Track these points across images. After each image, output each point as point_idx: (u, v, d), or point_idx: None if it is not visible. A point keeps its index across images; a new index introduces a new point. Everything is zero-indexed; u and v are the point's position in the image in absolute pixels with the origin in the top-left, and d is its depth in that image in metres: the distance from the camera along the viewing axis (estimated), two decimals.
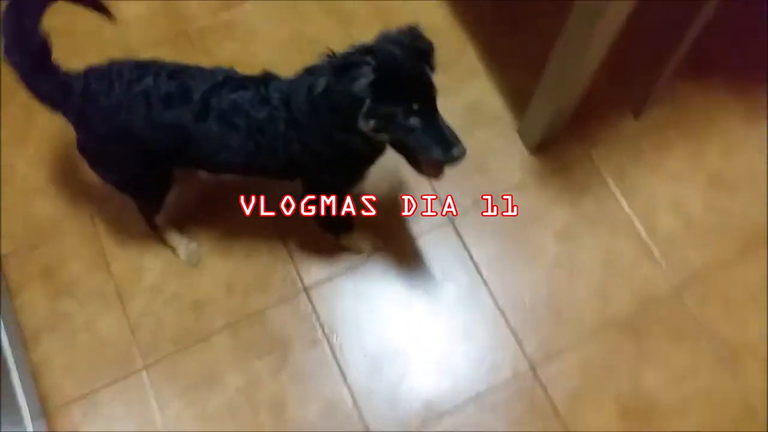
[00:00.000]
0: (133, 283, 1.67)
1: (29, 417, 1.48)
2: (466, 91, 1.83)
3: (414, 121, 1.05)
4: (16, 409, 1.48)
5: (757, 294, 1.58)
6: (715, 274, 1.60)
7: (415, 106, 1.04)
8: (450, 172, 1.68)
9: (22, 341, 1.61)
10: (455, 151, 1.07)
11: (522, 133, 1.74)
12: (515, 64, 1.84)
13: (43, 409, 1.55)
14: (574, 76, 1.45)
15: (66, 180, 1.76)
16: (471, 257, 1.65)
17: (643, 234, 1.65)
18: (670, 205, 1.68)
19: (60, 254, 1.70)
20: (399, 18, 1.84)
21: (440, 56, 1.80)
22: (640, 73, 1.76)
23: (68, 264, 1.69)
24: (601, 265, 1.62)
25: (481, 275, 1.63)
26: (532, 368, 1.53)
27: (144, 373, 1.58)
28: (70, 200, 1.74)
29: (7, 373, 1.52)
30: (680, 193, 1.69)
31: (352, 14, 1.92)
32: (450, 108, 1.80)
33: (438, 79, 1.93)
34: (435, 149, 1.07)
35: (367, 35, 1.16)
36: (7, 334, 1.56)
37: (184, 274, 1.66)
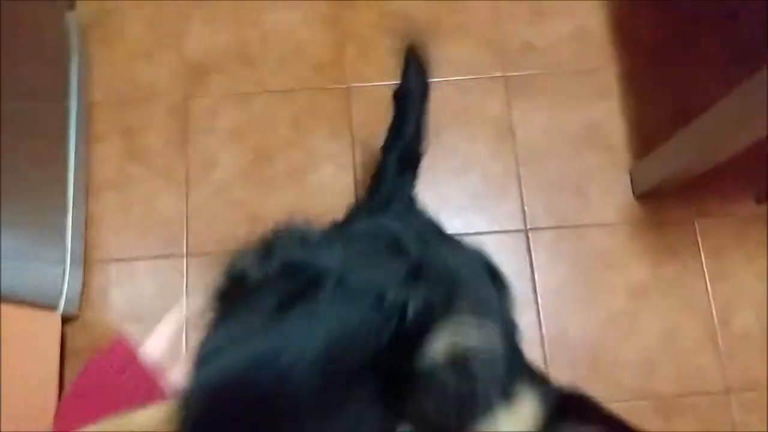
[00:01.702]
0: (203, 174, 1.77)
1: (69, 262, 1.63)
2: (592, 107, 1.82)
3: None
4: (61, 250, 1.63)
5: None
6: None
7: None
8: (545, 184, 1.74)
9: (84, 189, 1.75)
10: None
11: (634, 174, 1.74)
12: (657, 100, 1.82)
13: (83, 258, 1.70)
14: (724, 143, 1.42)
15: (174, 54, 1.86)
16: (532, 274, 1.69)
17: (716, 322, 1.65)
18: (754, 305, 1.66)
19: (145, 121, 1.82)
20: (552, 20, 1.88)
21: (580, 61, 1.85)
22: None
23: (149, 132, 1.81)
24: (661, 335, 1.64)
25: (536, 296, 1.67)
26: None
27: (185, 261, 1.70)
28: (171, 74, 1.84)
29: (64, 213, 1.66)
30: None
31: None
32: (568, 121, 1.86)
33: (565, 84, 1.94)
34: None
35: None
36: (75, 177, 1.70)
37: (254, 186, 1.75)
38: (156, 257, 1.71)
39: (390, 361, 0.42)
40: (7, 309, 1.35)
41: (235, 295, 0.52)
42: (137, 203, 1.76)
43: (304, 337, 0.42)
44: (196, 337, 0.52)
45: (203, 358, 0.46)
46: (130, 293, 1.69)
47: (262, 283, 0.50)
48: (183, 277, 1.70)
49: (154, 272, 1.71)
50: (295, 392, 0.40)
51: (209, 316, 0.56)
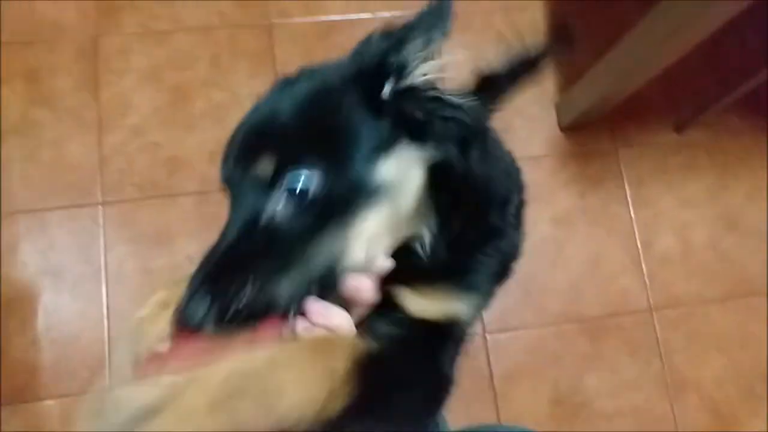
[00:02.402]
0: (116, 117, 1.69)
1: None
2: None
3: None
4: None
5: (723, 340, 1.67)
6: (692, 308, 1.68)
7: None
8: None
9: None
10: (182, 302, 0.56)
11: (559, 107, 1.78)
12: (583, 35, 1.85)
13: None
14: (636, 70, 1.47)
15: None
16: None
17: (639, 246, 1.71)
18: (674, 228, 1.74)
19: (51, 63, 1.72)
20: None
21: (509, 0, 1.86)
22: (697, 91, 1.80)
23: (56, 75, 1.71)
24: (586, 261, 1.69)
25: None
26: (483, 332, 1.61)
27: (100, 209, 1.63)
28: (78, 11, 1.74)
29: None
30: (689, 221, 1.75)
31: None
32: (496, 57, 1.86)
33: (493, 20, 1.95)
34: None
35: None
36: None
37: (171, 127, 1.69)
38: (68, 207, 1.63)
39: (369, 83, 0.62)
40: None
41: None
42: (45, 150, 1.66)
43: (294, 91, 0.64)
44: None
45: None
46: (43, 246, 1.60)
47: None
48: (100, 226, 1.62)
49: (67, 222, 1.62)
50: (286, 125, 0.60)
51: None
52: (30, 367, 1.52)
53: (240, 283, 0.54)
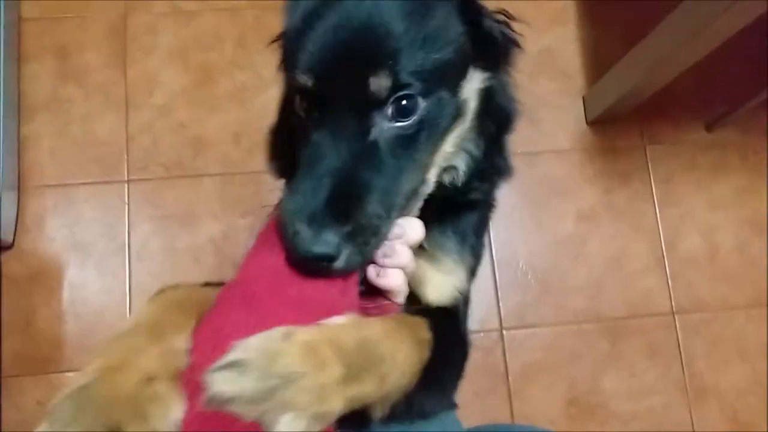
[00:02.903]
0: (144, 96, 1.71)
1: (2, 186, 1.56)
2: (548, 34, 1.81)
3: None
4: None
5: (746, 348, 1.64)
6: (716, 313, 1.66)
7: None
8: None
9: (16, 110, 1.66)
10: (301, 237, 0.54)
11: (587, 100, 1.75)
12: (611, 28, 1.82)
13: (18, 184, 1.63)
14: (666, 64, 1.44)
15: None
16: None
17: (663, 246, 1.69)
18: (701, 230, 1.71)
19: (81, 39, 1.73)
20: None
21: None
22: (730, 89, 1.75)
23: (86, 51, 1.73)
24: (609, 259, 1.67)
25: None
26: (501, 328, 1.61)
27: (126, 186, 1.65)
28: None
29: None
30: (716, 223, 1.72)
31: None
32: (524, 46, 1.82)
33: (522, 9, 1.93)
34: (286, 202, 0.58)
35: None
36: (5, 98, 1.61)
37: (196, 108, 1.70)
38: (95, 183, 1.65)
39: None
40: None
41: None
42: (74, 126, 1.68)
43: None
44: None
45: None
46: (69, 221, 1.64)
47: None
48: (125, 203, 1.65)
49: (93, 198, 1.65)
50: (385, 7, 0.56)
51: None
52: (54, 340, 1.56)
53: (361, 214, 0.54)
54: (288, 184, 0.62)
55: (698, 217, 1.71)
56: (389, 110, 0.56)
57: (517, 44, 0.66)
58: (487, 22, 0.62)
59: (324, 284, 0.55)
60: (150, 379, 0.48)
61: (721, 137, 1.76)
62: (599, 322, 1.63)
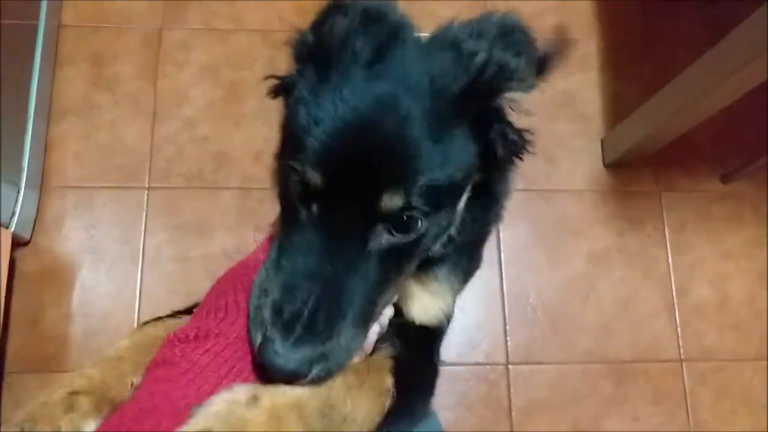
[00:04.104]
0: (172, 108, 1.76)
1: (24, 184, 1.60)
2: (569, 77, 1.86)
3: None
4: (17, 171, 1.60)
5: (752, 400, 1.64)
6: (724, 363, 1.66)
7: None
8: None
9: (47, 112, 1.72)
10: (273, 348, 0.52)
11: (605, 143, 1.79)
12: (634, 76, 1.87)
13: (41, 183, 1.67)
14: (685, 113, 1.48)
15: None
16: (498, 234, 1.72)
17: (674, 293, 1.70)
18: (712, 280, 1.72)
19: (116, 49, 1.80)
20: None
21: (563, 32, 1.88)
22: (746, 142, 1.79)
23: (120, 61, 1.79)
24: (619, 302, 1.68)
25: (500, 255, 1.70)
26: (507, 362, 1.61)
27: (146, 193, 1.69)
28: (147, 4, 1.83)
29: (22, 132, 1.63)
30: (728, 273, 1.73)
31: None
32: (545, 87, 1.87)
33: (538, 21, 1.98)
34: (264, 284, 0.58)
35: None
36: (37, 98, 1.67)
37: (222, 123, 1.75)
38: (116, 188, 1.70)
39: (473, 98, 0.55)
40: None
41: (321, 51, 0.57)
42: (101, 131, 1.73)
43: (406, 78, 0.54)
44: None
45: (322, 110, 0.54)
46: (87, 223, 1.67)
47: (347, 36, 0.55)
48: (143, 210, 1.68)
49: (113, 203, 1.69)
50: (412, 123, 0.53)
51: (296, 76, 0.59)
52: (60, 339, 1.57)
53: (340, 334, 0.53)
54: (271, 248, 0.59)
55: (710, 266, 1.73)
56: (390, 224, 0.55)
57: (521, 160, 0.64)
58: (501, 148, 0.59)
59: None
60: (74, 393, 0.55)
61: (736, 189, 1.79)
62: (605, 363, 1.63)
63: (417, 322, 0.69)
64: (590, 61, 1.90)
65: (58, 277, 1.63)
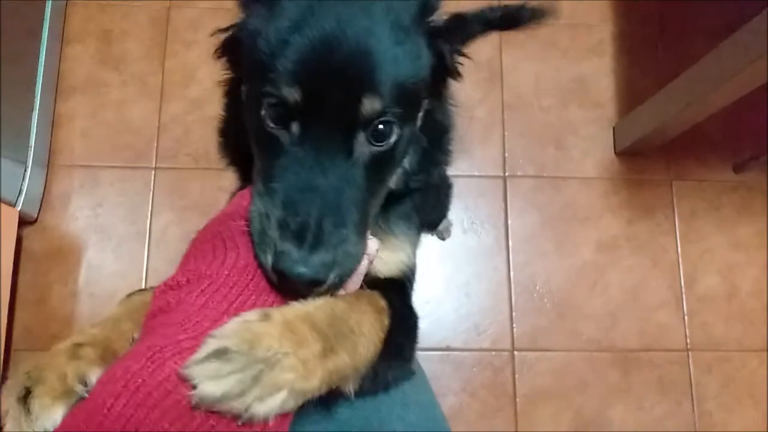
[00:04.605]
0: (179, 88, 1.76)
1: (31, 162, 1.60)
2: (584, 63, 1.85)
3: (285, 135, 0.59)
4: (24, 149, 1.60)
5: (758, 392, 1.64)
6: (731, 353, 1.66)
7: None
8: (528, 133, 1.76)
9: (54, 89, 1.72)
10: (290, 257, 0.53)
11: (617, 130, 1.78)
12: (649, 63, 1.85)
13: (47, 161, 1.67)
14: (699, 103, 1.47)
15: None
16: (506, 221, 1.71)
17: (682, 282, 1.70)
18: (721, 269, 1.72)
19: (124, 26, 1.79)
20: None
21: (578, 16, 1.87)
22: (760, 133, 1.78)
23: (128, 39, 1.78)
24: (627, 290, 1.68)
25: (508, 242, 1.70)
26: (512, 349, 1.62)
27: (153, 173, 1.69)
28: None
29: (30, 110, 1.63)
30: (737, 264, 1.73)
31: None
32: (558, 73, 1.88)
33: (559, 38, 1.97)
34: (262, 208, 0.58)
35: None
36: (45, 75, 1.67)
37: None
38: (123, 167, 1.70)
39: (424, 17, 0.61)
40: None
41: None
42: (108, 110, 1.73)
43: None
44: None
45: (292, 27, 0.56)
46: (93, 202, 1.68)
47: None
48: (150, 190, 1.69)
49: (120, 182, 1.69)
50: (375, 31, 0.56)
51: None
52: (66, 318, 1.59)
53: (348, 239, 0.55)
54: (255, 184, 0.61)
55: (719, 256, 1.73)
56: (369, 132, 0.57)
57: (458, 77, 0.67)
58: (449, 59, 0.64)
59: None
60: (79, 345, 0.56)
61: (748, 180, 1.78)
62: (611, 352, 1.64)
63: (382, 276, 0.72)
64: (605, 48, 1.88)
65: (65, 256, 1.64)
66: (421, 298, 1.66)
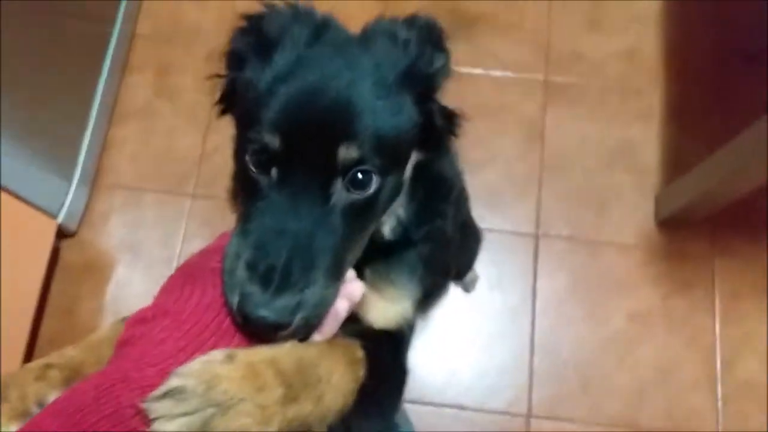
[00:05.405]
0: (224, 122, 1.83)
1: (77, 179, 1.71)
2: (629, 128, 1.83)
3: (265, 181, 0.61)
4: (73, 166, 1.71)
5: None
6: None
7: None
8: (566, 193, 1.74)
9: (110, 114, 1.84)
10: (252, 299, 0.54)
11: (660, 198, 1.74)
12: (698, 132, 1.82)
13: (93, 179, 1.77)
14: (747, 173, 1.43)
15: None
16: (534, 282, 1.68)
17: (719, 366, 1.61)
18: (762, 354, 1.62)
19: (183, 62, 1.91)
20: (607, 33, 1.92)
21: (626, 80, 1.86)
22: None
23: (184, 73, 1.90)
24: (658, 368, 1.61)
25: (534, 305, 1.66)
26: (528, 415, 1.56)
27: (189, 201, 1.76)
28: (218, 19, 1.93)
29: (82, 130, 1.74)
30: None
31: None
32: (604, 136, 1.86)
33: (608, 100, 1.96)
34: (234, 248, 0.59)
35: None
36: (102, 100, 1.79)
37: None
38: (164, 192, 1.78)
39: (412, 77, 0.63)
40: (9, 200, 1.42)
41: (261, 41, 0.63)
42: (158, 137, 1.83)
43: (346, 54, 0.61)
44: None
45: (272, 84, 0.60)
46: (131, 222, 1.76)
47: (284, 25, 0.63)
48: (184, 217, 1.76)
49: (158, 206, 1.77)
50: (358, 85, 0.59)
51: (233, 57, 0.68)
52: (89, 331, 1.62)
53: (316, 282, 0.56)
54: (236, 225, 0.63)
55: (761, 340, 1.63)
56: (347, 180, 0.59)
57: (456, 135, 0.70)
58: (438, 120, 0.66)
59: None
60: (49, 366, 0.59)
61: None
62: (634, 430, 1.55)
63: (376, 326, 0.70)
64: (653, 113, 1.86)
65: (97, 271, 1.71)
66: (439, 352, 1.64)
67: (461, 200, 1.00)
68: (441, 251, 0.83)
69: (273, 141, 0.57)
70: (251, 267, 0.55)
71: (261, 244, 0.56)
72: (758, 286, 1.67)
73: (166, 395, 0.46)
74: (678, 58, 1.91)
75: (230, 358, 0.49)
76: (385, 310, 0.72)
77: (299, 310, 0.54)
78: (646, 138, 1.83)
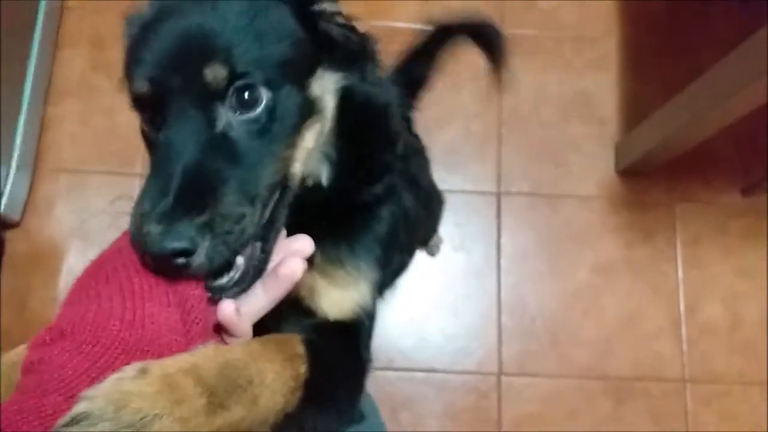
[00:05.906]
0: None
1: (15, 165, 1.62)
2: (587, 77, 1.82)
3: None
4: (9, 151, 1.62)
5: (759, 428, 1.58)
6: (730, 386, 1.61)
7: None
8: (525, 148, 1.73)
9: (44, 93, 1.74)
10: (151, 235, 0.53)
11: (619, 148, 1.74)
12: (654, 78, 1.82)
13: (33, 165, 1.69)
14: (705, 118, 1.43)
15: None
16: (498, 240, 1.69)
17: (682, 310, 1.65)
18: (724, 298, 1.67)
19: (117, 33, 1.81)
20: None
21: (581, 28, 1.84)
22: None
23: (120, 46, 1.80)
24: (623, 316, 1.64)
25: (499, 262, 1.67)
26: (499, 373, 1.59)
27: (137, 180, 1.70)
28: None
29: (17, 112, 1.65)
30: (742, 293, 1.68)
31: None
32: (560, 88, 1.85)
33: (562, 50, 1.95)
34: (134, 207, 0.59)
35: None
36: (35, 78, 1.69)
37: None
38: (109, 173, 1.71)
39: None
40: None
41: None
42: (97, 116, 1.75)
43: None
44: None
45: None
46: (78, 207, 1.69)
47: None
48: (133, 197, 1.69)
49: (105, 188, 1.70)
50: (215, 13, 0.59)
51: None
52: (45, 322, 1.56)
53: (217, 202, 0.54)
54: None
55: (723, 284, 1.68)
56: (232, 101, 0.57)
57: (366, 44, 0.68)
58: (323, 25, 0.64)
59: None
60: None
61: (757, 204, 1.73)
62: (604, 380, 1.59)
63: (331, 318, 0.67)
64: (609, 61, 1.85)
65: (47, 261, 1.65)
66: (406, 316, 1.64)
67: (411, 155, 0.94)
68: (402, 225, 0.79)
69: (142, 87, 0.58)
70: (144, 213, 0.54)
71: (153, 189, 0.55)
72: (718, 229, 1.71)
73: (72, 422, 0.42)
74: (632, 2, 1.89)
75: (143, 372, 0.45)
76: (338, 298, 0.68)
77: (206, 232, 0.52)
78: (603, 87, 1.82)
